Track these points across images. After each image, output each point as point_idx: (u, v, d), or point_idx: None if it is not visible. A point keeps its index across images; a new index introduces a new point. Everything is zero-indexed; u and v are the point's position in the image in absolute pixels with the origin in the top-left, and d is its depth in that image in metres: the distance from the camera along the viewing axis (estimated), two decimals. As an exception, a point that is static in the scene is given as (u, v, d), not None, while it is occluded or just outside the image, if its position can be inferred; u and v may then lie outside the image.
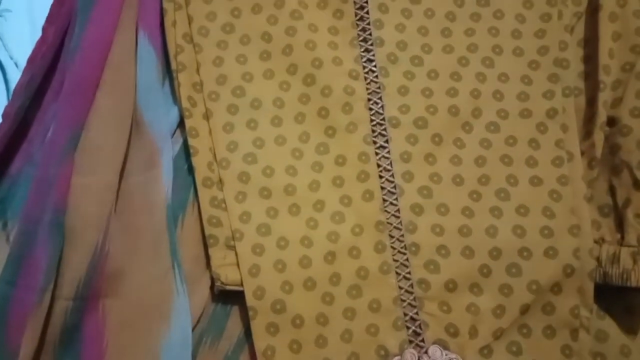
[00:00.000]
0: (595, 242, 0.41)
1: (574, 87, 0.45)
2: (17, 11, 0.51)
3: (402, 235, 0.41)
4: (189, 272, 0.41)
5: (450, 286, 0.40)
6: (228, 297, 0.41)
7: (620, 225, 0.40)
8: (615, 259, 0.39)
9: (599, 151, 0.42)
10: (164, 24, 0.46)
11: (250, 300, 0.39)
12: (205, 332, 0.40)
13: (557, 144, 0.43)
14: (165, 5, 0.46)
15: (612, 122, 0.43)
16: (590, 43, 0.46)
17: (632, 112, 0.42)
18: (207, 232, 0.41)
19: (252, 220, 0.41)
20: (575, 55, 0.46)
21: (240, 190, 0.42)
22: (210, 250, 0.41)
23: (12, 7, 0.51)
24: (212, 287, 0.41)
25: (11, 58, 0.49)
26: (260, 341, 0.39)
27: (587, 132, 0.44)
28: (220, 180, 0.42)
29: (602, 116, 0.43)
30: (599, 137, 0.43)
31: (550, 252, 0.40)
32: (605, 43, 0.45)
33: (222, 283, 0.40)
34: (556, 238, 0.40)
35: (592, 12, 0.47)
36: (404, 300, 0.40)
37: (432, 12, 0.47)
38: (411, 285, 0.40)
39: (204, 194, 0.42)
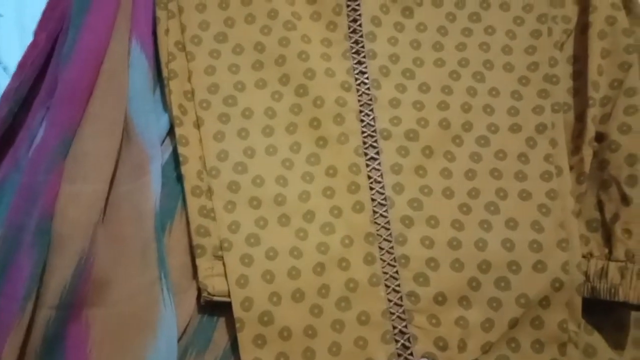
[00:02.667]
0: (584, 256, 0.41)
1: (563, 102, 0.45)
2: (7, 15, 0.51)
3: (392, 248, 0.41)
4: (176, 282, 0.40)
5: (440, 299, 0.40)
6: (215, 308, 0.40)
7: (608, 240, 0.41)
8: (603, 273, 0.39)
9: (587, 166, 0.43)
10: (157, 32, 0.46)
11: (237, 311, 0.39)
12: (191, 343, 0.40)
13: (546, 159, 0.43)
14: (159, 13, 0.46)
15: (600, 137, 0.43)
16: (580, 60, 0.47)
17: (620, 128, 0.43)
18: (194, 242, 0.41)
19: (241, 230, 0.41)
20: (564, 71, 0.47)
21: (230, 199, 0.42)
22: (198, 261, 0.40)
23: (2, 11, 0.51)
24: (198, 297, 0.41)
25: (0, 62, 0.49)
26: (247, 353, 0.38)
27: (575, 147, 0.44)
28: (210, 190, 0.42)
29: (590, 132, 0.43)
30: (587, 152, 0.43)
31: (539, 266, 0.40)
32: (595, 60, 0.45)
33: (209, 294, 0.39)
34: (545, 252, 0.40)
35: (582, 29, 0.47)
36: (393, 313, 0.40)
37: (425, 26, 0.47)
38: (400, 298, 0.40)
39: (193, 203, 0.42)
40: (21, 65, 0.46)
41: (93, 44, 0.43)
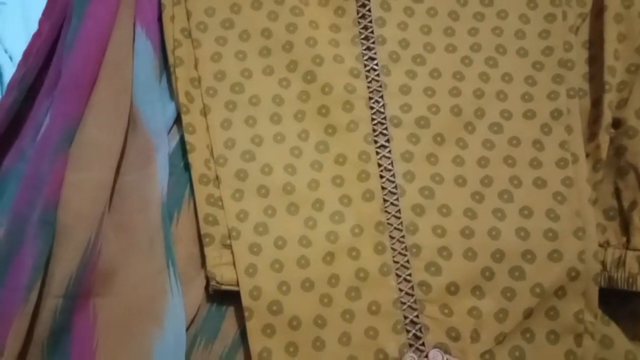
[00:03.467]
0: (600, 245, 0.40)
1: (579, 88, 0.44)
2: (12, 4, 0.50)
3: (403, 237, 0.40)
4: (184, 271, 0.40)
5: (452, 289, 0.39)
6: (223, 298, 0.40)
7: (626, 228, 0.39)
8: (620, 262, 0.38)
9: (604, 153, 0.42)
10: (162, 19, 0.45)
11: (246, 300, 0.38)
12: (200, 333, 0.39)
13: (562, 146, 0.42)
14: (164, 0, 0.46)
15: (617, 123, 0.42)
16: (595, 44, 0.45)
17: (637, 113, 0.41)
18: (202, 231, 0.40)
19: (249, 218, 0.40)
20: (580, 56, 0.45)
21: (238, 188, 0.41)
22: (206, 249, 0.40)
23: (6, 0, 0.50)
24: (207, 286, 0.40)
25: (5, 52, 0.49)
26: (256, 343, 0.38)
27: (592, 133, 0.43)
28: (217, 178, 0.41)
29: (607, 118, 0.42)
30: (604, 139, 0.42)
31: (555, 255, 0.39)
32: (611, 44, 0.44)
33: (218, 283, 0.39)
34: (560, 241, 0.39)
35: (597, 13, 0.46)
36: (404, 303, 0.39)
37: (435, 10, 0.46)
38: (412, 288, 0.39)
39: (200, 192, 0.41)
40: (26, 55, 0.46)
41: (96, 32, 0.42)
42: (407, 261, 0.40)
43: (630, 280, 0.37)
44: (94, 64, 0.41)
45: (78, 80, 0.41)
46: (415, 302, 0.39)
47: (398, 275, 0.39)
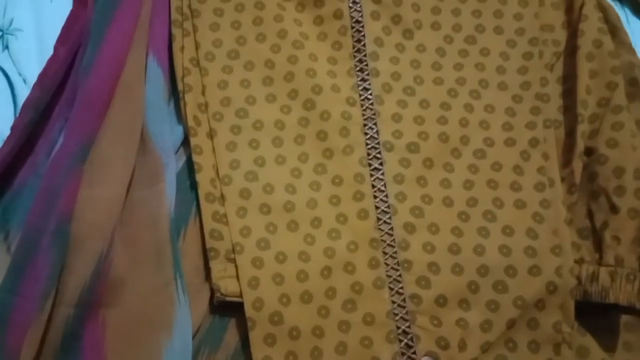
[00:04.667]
0: (576, 262, 0.43)
1: (554, 119, 0.48)
2: (27, 30, 0.53)
3: (395, 252, 0.43)
4: (189, 283, 0.42)
5: (441, 301, 0.42)
6: (226, 310, 0.42)
7: (598, 246, 0.43)
8: (594, 277, 0.42)
9: (578, 178, 0.46)
10: (172, 48, 0.49)
11: (249, 311, 0.40)
12: (203, 343, 0.41)
13: (539, 171, 0.46)
14: (174, 31, 0.49)
15: (589, 151, 0.46)
16: (569, 80, 0.50)
17: (608, 142, 0.46)
18: (208, 245, 0.43)
19: (252, 234, 0.43)
20: (555, 90, 0.50)
21: (241, 205, 0.44)
22: (211, 263, 0.42)
23: (22, 26, 0.53)
24: (210, 299, 0.42)
25: (20, 74, 0.51)
26: (258, 351, 0.40)
27: (566, 160, 0.47)
28: (222, 196, 0.44)
29: (580, 146, 0.46)
30: (577, 165, 0.46)
31: (534, 270, 0.42)
32: (583, 80, 0.48)
33: (222, 294, 0.41)
34: (540, 257, 0.42)
35: (571, 52, 0.51)
36: (397, 314, 0.41)
37: (424, 47, 0.50)
38: (404, 300, 0.42)
39: (207, 209, 0.44)
40: (42, 77, 0.48)
41: (112, 57, 0.46)
42: (400, 275, 0.42)
43: (604, 293, 0.41)
44: (109, 87, 0.44)
45: (94, 101, 0.44)
46: (407, 313, 0.41)
47: (391, 289, 0.42)
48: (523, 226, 0.44)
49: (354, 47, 0.50)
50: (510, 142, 0.47)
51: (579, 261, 0.43)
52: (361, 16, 0.50)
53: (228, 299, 0.41)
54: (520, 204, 0.45)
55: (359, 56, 0.50)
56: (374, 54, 0.49)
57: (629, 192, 0.43)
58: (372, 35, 0.50)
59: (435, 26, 0.51)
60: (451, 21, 0.51)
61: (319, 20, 0.51)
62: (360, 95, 0.48)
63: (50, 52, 0.50)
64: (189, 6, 0.50)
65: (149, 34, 0.48)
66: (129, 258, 0.41)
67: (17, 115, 0.47)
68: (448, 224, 0.44)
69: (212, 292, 0.42)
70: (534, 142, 0.47)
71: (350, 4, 0.51)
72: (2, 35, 0.52)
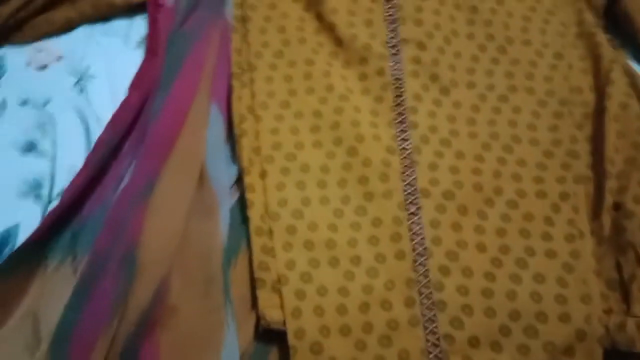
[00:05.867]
0: (604, 312, 0.45)
1: (584, 175, 0.51)
2: (102, 76, 0.60)
3: (431, 293, 0.45)
4: (237, 310, 0.45)
5: (473, 342, 0.44)
6: (270, 337, 0.45)
7: (626, 298, 0.45)
8: (622, 327, 0.43)
9: (606, 231, 0.48)
10: (232, 98, 0.54)
11: (291, 339, 0.43)
12: (247, 368, 0.44)
13: (569, 223, 0.48)
14: (234, 83, 0.55)
15: (617, 206, 0.49)
16: (597, 139, 0.53)
17: (635, 198, 0.48)
18: (256, 275, 0.46)
19: (296, 267, 0.46)
20: (584, 148, 0.53)
21: (288, 240, 0.47)
22: (258, 292, 0.45)
23: (97, 72, 0.60)
24: (255, 326, 0.45)
25: (94, 115, 0.57)
26: (299, 379, 0.42)
27: (595, 214, 0.49)
28: (271, 231, 0.48)
29: (609, 201, 0.49)
30: (606, 219, 0.48)
31: (564, 317, 0.44)
32: (611, 140, 0.52)
33: (267, 322, 0.44)
34: (570, 305, 0.44)
35: (599, 112, 0.54)
36: (431, 352, 0.43)
37: (459, 103, 0.55)
38: (438, 339, 0.44)
39: (256, 242, 0.47)
40: (115, 118, 0.54)
41: (179, 104, 0.51)
42: (434, 315, 0.45)
43: (631, 343, 0.42)
44: (175, 130, 0.50)
45: (161, 142, 0.49)
46: (440, 352, 0.43)
47: (425, 327, 0.44)
48: (554, 275, 0.46)
49: (394, 102, 0.54)
50: (541, 195, 0.50)
51: (608, 311, 0.45)
52: (402, 74, 0.55)
53: (272, 326, 0.44)
54: (551, 254, 0.47)
55: (399, 110, 0.54)
56: (413, 108, 0.54)
57: (656, 246, 0.45)
58: (411, 91, 0.54)
59: (470, 85, 0.56)
60: (485, 81, 0.56)
61: (363, 77, 0.56)
62: (399, 145, 0.52)
63: (122, 96, 0.56)
64: (247, 61, 0.56)
65: (212, 84, 0.53)
66: (184, 284, 0.44)
67: (91, 151, 0.53)
68: (481, 268, 0.46)
69: (258, 319, 0.45)
70: (564, 196, 0.50)
71: (392, 63, 0.56)
72: (79, 80, 0.59)
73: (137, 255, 0.43)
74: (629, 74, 0.57)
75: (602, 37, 0.59)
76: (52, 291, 0.45)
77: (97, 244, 0.46)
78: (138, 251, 0.43)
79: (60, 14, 0.60)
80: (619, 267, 0.47)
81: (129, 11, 0.62)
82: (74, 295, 0.44)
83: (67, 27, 0.61)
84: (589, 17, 0.60)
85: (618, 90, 0.54)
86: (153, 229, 0.44)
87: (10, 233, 0.49)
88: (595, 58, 0.58)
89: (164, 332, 0.42)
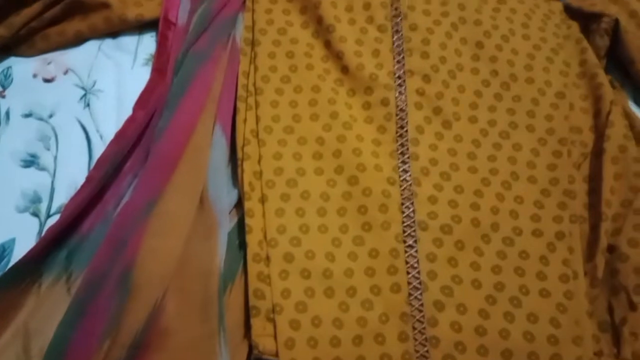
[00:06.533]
0: (595, 354, 0.45)
1: (580, 215, 0.52)
2: (108, 92, 0.60)
3: (424, 328, 0.46)
4: (230, 337, 0.45)
5: (465, 379, 0.44)
6: (262, 366, 0.45)
7: (617, 340, 0.45)
8: (613, 371, 0.44)
9: (600, 273, 0.48)
10: (236, 120, 0.55)
11: (284, 370, 0.43)
12: (238, 396, 0.44)
13: (564, 263, 0.49)
14: (239, 105, 0.55)
15: (612, 249, 0.49)
16: (595, 179, 0.54)
17: (629, 242, 0.49)
18: (251, 303, 0.46)
19: (291, 296, 0.46)
20: (581, 188, 0.54)
21: (284, 268, 0.48)
22: (252, 320, 0.45)
23: (104, 88, 0.60)
24: (248, 354, 0.45)
25: (97, 131, 0.57)
26: (289, 410, 0.42)
27: (590, 255, 0.50)
28: (268, 258, 0.48)
29: (603, 243, 0.49)
30: (600, 260, 0.49)
31: (556, 358, 0.44)
32: (608, 181, 0.52)
33: (260, 352, 0.44)
34: (561, 346, 0.45)
35: (597, 154, 0.55)
36: (423, 388, 0.44)
37: (461, 137, 0.55)
38: (430, 375, 0.44)
39: (253, 268, 0.47)
40: (119, 136, 0.54)
41: (184, 124, 0.52)
42: (427, 351, 0.45)
43: (621, 387, 0.43)
44: (178, 150, 0.50)
45: (163, 162, 0.49)
46: (432, 388, 0.44)
47: (418, 363, 0.45)
48: (547, 315, 0.46)
49: (397, 132, 0.55)
50: (537, 233, 0.51)
51: (598, 353, 0.45)
52: (405, 105, 0.56)
53: (265, 357, 0.44)
54: (545, 293, 0.47)
55: (401, 140, 0.55)
56: (415, 140, 0.54)
57: (648, 291, 0.46)
58: (414, 123, 0.55)
59: (473, 120, 0.56)
60: (487, 116, 0.56)
61: (367, 106, 0.56)
62: (400, 176, 0.53)
63: (126, 113, 0.56)
64: (254, 84, 0.56)
65: (217, 106, 0.54)
66: (179, 307, 0.44)
67: (93, 167, 0.53)
68: (476, 305, 0.47)
69: (251, 348, 0.45)
70: (560, 235, 0.50)
71: (397, 94, 0.56)
72: (85, 95, 0.59)
73: (133, 275, 0.43)
74: (628, 116, 0.58)
75: (603, 78, 0.60)
76: (45, 309, 0.45)
77: (95, 261, 0.46)
78: (134, 271, 0.43)
79: (71, 27, 0.61)
80: (610, 310, 0.47)
81: (139, 27, 0.63)
82: (69, 312, 0.44)
83: (77, 40, 0.61)
84: (592, 58, 0.61)
85: (617, 132, 0.55)
86: (151, 249, 0.44)
87: (5, 247, 0.49)
88: (596, 98, 0.59)
89: (157, 355, 0.42)
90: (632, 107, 0.61)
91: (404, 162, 0.53)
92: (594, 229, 0.51)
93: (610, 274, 0.48)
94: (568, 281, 0.48)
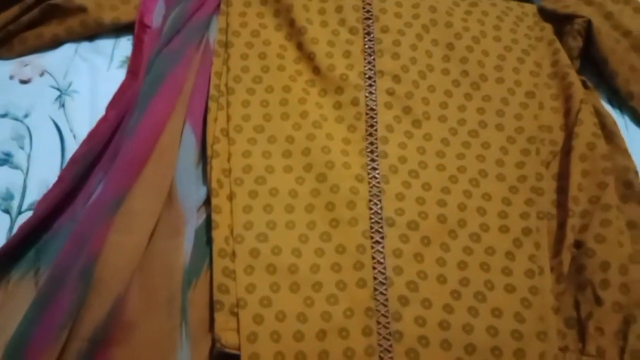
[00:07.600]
0: (560, 349, 0.45)
1: (547, 212, 0.52)
2: (83, 93, 0.60)
3: (388, 323, 0.46)
4: (194, 331, 0.45)
5: (428, 374, 0.44)
6: (224, 360, 0.45)
7: (582, 336, 0.45)
8: (576, 366, 0.44)
9: (566, 269, 0.48)
10: (207, 119, 0.55)
11: (244, 364, 0.43)
12: (200, 390, 0.44)
13: (530, 259, 0.49)
14: (210, 105, 0.56)
15: (578, 245, 0.49)
16: (563, 177, 0.54)
17: (596, 237, 0.49)
18: (215, 298, 0.46)
19: (256, 291, 0.46)
20: (549, 186, 0.54)
21: (250, 264, 0.48)
22: (216, 314, 0.45)
23: (79, 89, 0.61)
24: (211, 349, 0.45)
25: (71, 130, 0.58)
26: (249, 404, 0.42)
27: (556, 251, 0.50)
28: (234, 253, 0.48)
29: (570, 239, 0.49)
30: (566, 256, 0.49)
31: (519, 353, 0.44)
32: (575, 178, 0.53)
33: (222, 345, 0.44)
34: (525, 341, 0.44)
35: (566, 152, 0.55)
36: (385, 382, 0.43)
37: (430, 136, 0.56)
38: (392, 369, 0.44)
39: (218, 263, 0.48)
40: (91, 135, 0.55)
41: (153, 124, 0.52)
42: (390, 345, 0.45)
43: (584, 382, 0.42)
44: (148, 148, 0.50)
45: (132, 160, 0.50)
46: (394, 382, 0.43)
47: (381, 357, 0.44)
48: (511, 310, 0.46)
49: (366, 131, 0.55)
50: (504, 229, 0.51)
51: (564, 349, 0.45)
52: (376, 105, 0.56)
53: (227, 350, 0.44)
54: (510, 289, 0.47)
55: (371, 139, 0.55)
56: (384, 139, 0.55)
57: (613, 286, 0.46)
58: (384, 122, 0.56)
59: (442, 119, 0.57)
60: (457, 116, 0.57)
61: (337, 105, 0.57)
62: (368, 174, 0.53)
63: (100, 114, 0.57)
64: (226, 84, 0.57)
65: (188, 106, 0.54)
66: (143, 302, 0.44)
67: (64, 167, 0.53)
68: (440, 300, 0.47)
69: (214, 342, 0.45)
70: (526, 231, 0.50)
71: (367, 94, 0.57)
72: (60, 95, 0.60)
73: (95, 269, 0.43)
74: (599, 114, 0.58)
75: (575, 77, 0.60)
76: (12, 304, 0.45)
77: (60, 256, 0.46)
78: (96, 266, 0.43)
79: (48, 30, 0.62)
80: (576, 305, 0.47)
81: (116, 31, 0.64)
82: (32, 307, 0.44)
83: (54, 43, 0.62)
84: (564, 58, 0.62)
85: (586, 130, 0.55)
86: (115, 244, 0.45)
87: (-25, 243, 0.49)
88: (566, 98, 0.59)
89: (118, 349, 0.42)
90: (607, 107, 0.61)
91: (372, 160, 0.54)
92: (561, 225, 0.51)
93: (576, 269, 0.48)
94: (533, 277, 0.48)
